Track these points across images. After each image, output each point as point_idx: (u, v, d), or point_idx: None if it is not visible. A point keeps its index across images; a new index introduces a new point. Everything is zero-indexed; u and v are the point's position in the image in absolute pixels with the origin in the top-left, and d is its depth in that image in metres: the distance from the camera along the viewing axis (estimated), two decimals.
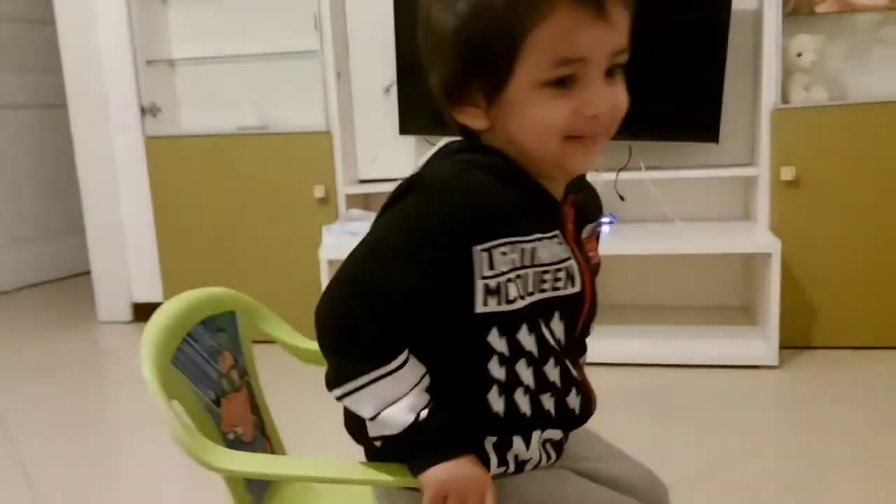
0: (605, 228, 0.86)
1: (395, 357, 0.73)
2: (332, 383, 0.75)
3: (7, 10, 3.74)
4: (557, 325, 0.78)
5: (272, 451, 0.98)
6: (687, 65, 2.44)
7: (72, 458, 1.97)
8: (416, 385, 0.74)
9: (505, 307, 0.73)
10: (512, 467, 0.79)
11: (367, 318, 0.72)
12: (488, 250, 0.71)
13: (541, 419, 0.79)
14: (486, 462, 0.77)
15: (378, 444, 0.77)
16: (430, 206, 0.72)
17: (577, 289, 0.78)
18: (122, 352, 2.82)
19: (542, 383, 0.78)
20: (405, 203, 0.73)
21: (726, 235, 2.43)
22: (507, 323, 0.74)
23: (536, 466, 0.81)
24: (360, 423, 0.77)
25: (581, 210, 0.82)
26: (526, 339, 0.76)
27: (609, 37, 0.71)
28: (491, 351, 0.75)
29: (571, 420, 0.82)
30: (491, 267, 0.72)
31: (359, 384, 0.73)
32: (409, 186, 0.74)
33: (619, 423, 1.99)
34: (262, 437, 0.96)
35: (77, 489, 1.80)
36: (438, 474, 0.73)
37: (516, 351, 0.76)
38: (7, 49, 3.77)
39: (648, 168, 2.50)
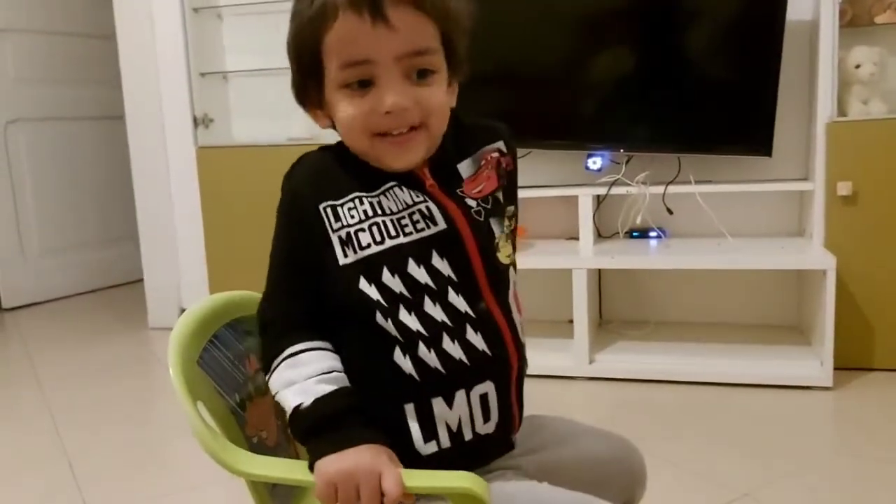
0: (496, 153, 0.91)
1: (294, 344, 0.82)
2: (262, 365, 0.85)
3: (72, 25, 3.89)
4: (441, 264, 0.83)
5: (297, 457, 0.98)
6: (740, 76, 2.39)
7: (118, 460, 2.01)
8: (313, 375, 0.80)
9: (361, 254, 0.81)
10: (446, 441, 0.81)
11: (276, 308, 0.84)
12: (332, 207, 0.82)
13: (458, 374, 0.81)
14: (407, 441, 0.80)
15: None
16: (283, 193, 0.85)
17: (440, 227, 0.83)
18: None
19: (430, 324, 0.81)
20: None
21: (779, 251, 2.36)
22: (370, 269, 0.81)
23: (476, 434, 0.82)
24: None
25: (445, 158, 0.88)
26: (390, 280, 0.81)
27: (391, 39, 0.78)
28: (367, 300, 0.80)
29: (491, 365, 0.83)
30: (337, 219, 0.82)
31: (272, 366, 0.82)
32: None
33: (667, 439, 1.94)
34: (286, 442, 0.96)
35: (123, 491, 1.84)
36: (324, 466, 0.76)
37: (389, 296, 0.81)
38: (71, 63, 3.91)
39: (698, 182, 2.45)
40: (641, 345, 2.53)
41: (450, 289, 0.82)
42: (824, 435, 2.01)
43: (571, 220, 2.56)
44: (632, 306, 2.75)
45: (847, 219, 2.30)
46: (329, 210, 0.82)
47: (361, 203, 0.82)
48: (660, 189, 2.46)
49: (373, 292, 0.80)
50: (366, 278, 0.81)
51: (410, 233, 0.82)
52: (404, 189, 0.84)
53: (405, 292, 0.81)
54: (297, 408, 0.79)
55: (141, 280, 3.37)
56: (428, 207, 0.83)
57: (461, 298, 0.82)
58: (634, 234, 2.62)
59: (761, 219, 2.60)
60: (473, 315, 0.83)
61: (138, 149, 3.22)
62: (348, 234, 0.81)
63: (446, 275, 0.82)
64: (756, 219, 2.59)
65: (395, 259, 0.81)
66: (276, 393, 0.81)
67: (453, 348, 0.81)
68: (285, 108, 2.98)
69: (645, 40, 2.50)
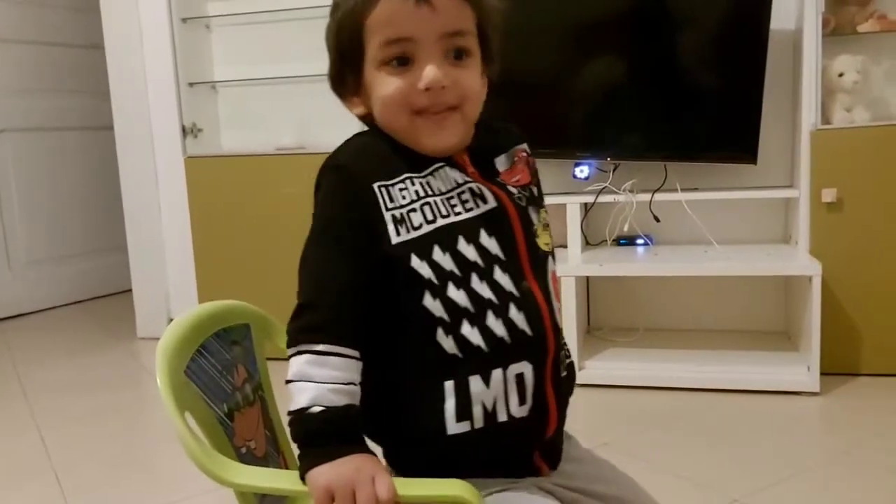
0: (524, 152, 0.96)
1: (328, 343, 0.79)
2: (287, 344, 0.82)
3: (60, 35, 3.88)
4: (489, 242, 0.85)
5: (286, 467, 0.98)
6: (725, 85, 2.41)
7: (106, 472, 2.00)
8: (331, 382, 0.78)
9: (413, 234, 0.82)
10: (480, 421, 0.81)
11: (324, 294, 0.81)
12: (385, 187, 0.83)
13: (499, 351, 0.82)
14: (438, 420, 0.80)
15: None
16: (331, 172, 0.85)
17: (490, 205, 0.86)
18: None
19: (477, 301, 0.82)
20: (320, 186, 0.85)
21: (766, 258, 2.38)
22: (422, 248, 0.82)
23: (510, 416, 0.82)
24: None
25: (482, 150, 0.91)
26: (441, 258, 0.82)
27: (433, 19, 0.82)
28: (418, 278, 0.81)
29: (530, 345, 0.84)
30: (391, 199, 0.83)
31: (298, 349, 0.79)
32: (320, 173, 0.86)
33: (655, 446, 1.95)
34: (275, 453, 0.96)
35: (111, 502, 1.82)
36: (316, 476, 0.75)
37: (439, 273, 0.82)
38: (59, 73, 3.90)
39: (684, 189, 2.46)
40: (630, 351, 2.54)
41: (496, 267, 0.84)
42: (812, 440, 2.02)
43: (559, 228, 2.57)
44: (620, 313, 2.76)
45: (832, 225, 2.32)
46: (383, 189, 0.83)
47: (412, 184, 0.84)
48: (647, 197, 2.48)
49: (424, 270, 0.82)
50: (417, 256, 0.82)
51: (460, 212, 0.84)
52: (452, 169, 0.86)
53: (455, 269, 0.83)
54: (304, 409, 0.77)
55: (129, 290, 3.35)
56: (479, 186, 0.86)
57: (506, 277, 0.84)
58: (622, 241, 2.64)
59: (747, 226, 2.62)
60: (517, 294, 0.85)
61: (126, 159, 3.21)
62: (402, 214, 0.82)
63: (493, 253, 0.84)
64: (742, 226, 2.62)
65: (445, 237, 0.83)
66: (289, 380, 0.80)
67: (497, 325, 0.82)
68: (274, 118, 3.03)
69: (631, 49, 2.52)
